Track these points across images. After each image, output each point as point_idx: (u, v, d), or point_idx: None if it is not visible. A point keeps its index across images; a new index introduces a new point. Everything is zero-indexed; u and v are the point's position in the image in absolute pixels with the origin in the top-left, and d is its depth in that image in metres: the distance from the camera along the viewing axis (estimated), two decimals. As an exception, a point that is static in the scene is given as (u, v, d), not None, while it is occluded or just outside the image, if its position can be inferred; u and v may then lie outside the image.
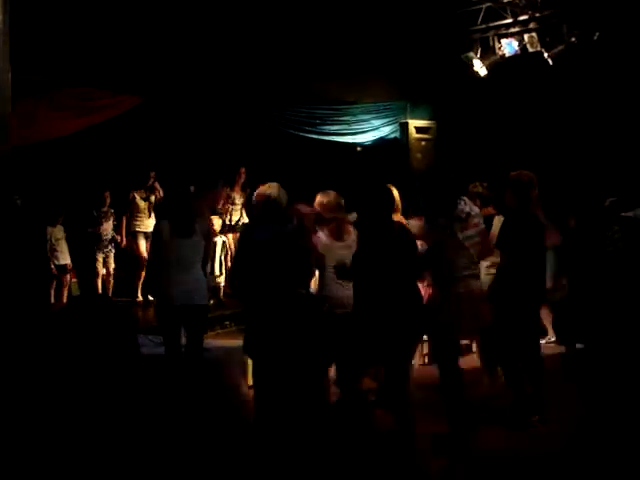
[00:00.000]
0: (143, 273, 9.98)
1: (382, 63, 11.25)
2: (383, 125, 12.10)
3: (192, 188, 6.63)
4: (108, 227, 10.04)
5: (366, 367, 5.57)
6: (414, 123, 12.08)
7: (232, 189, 10.75)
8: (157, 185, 10.25)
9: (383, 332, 4.75)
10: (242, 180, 10.75)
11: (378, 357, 5.03)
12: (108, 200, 10.03)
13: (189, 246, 5.78)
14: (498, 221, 6.03)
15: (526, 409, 5.49)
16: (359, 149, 12.25)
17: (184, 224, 5.80)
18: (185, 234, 5.78)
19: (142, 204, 10.25)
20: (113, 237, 10.13)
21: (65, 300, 9.62)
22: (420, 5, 10.64)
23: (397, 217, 6.27)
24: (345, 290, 5.29)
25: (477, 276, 5.28)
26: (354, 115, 11.77)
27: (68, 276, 9.76)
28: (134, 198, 10.25)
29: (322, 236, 5.71)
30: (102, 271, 10.04)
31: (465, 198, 5.40)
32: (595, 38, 9.92)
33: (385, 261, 4.82)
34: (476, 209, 5.44)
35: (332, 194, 5.93)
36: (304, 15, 10.10)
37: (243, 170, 10.76)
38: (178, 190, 6.14)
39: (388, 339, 4.78)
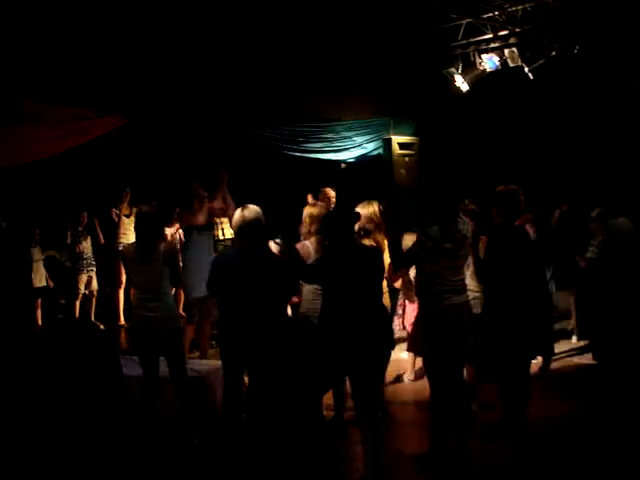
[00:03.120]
0: (122, 294, 9.91)
1: (364, 80, 11.27)
2: (366, 142, 12.07)
3: (155, 204, 6.36)
4: (87, 246, 9.93)
5: (330, 382, 5.46)
6: (397, 139, 12.06)
7: (211, 200, 10.43)
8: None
9: (343, 348, 4.70)
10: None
11: (341, 372, 4.99)
12: (85, 219, 9.93)
13: (148, 272, 5.64)
14: (482, 242, 6.01)
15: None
16: (343, 166, 12.22)
17: (143, 249, 5.65)
18: (144, 260, 5.64)
19: (125, 221, 10.10)
20: (92, 253, 9.99)
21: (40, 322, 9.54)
22: (401, 21, 10.68)
23: (380, 235, 6.26)
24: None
25: (460, 291, 5.23)
26: (337, 132, 11.73)
27: (39, 299, 9.67)
28: (117, 216, 10.11)
29: (309, 245, 5.71)
30: (83, 291, 9.91)
31: (462, 217, 5.44)
32: (575, 51, 9.98)
33: (344, 279, 4.83)
34: (470, 228, 5.47)
35: (375, 204, 6.02)
36: (286, 33, 10.11)
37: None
38: (140, 211, 5.91)
39: (348, 355, 4.74)
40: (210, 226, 8.30)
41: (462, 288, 5.25)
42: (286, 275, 5.19)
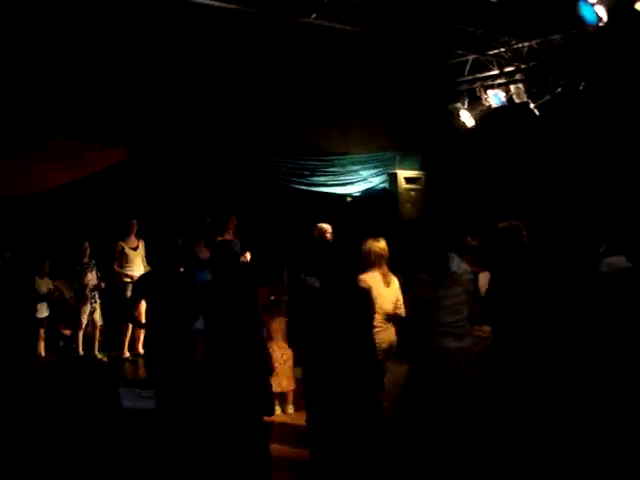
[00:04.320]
0: (130, 326, 9.85)
1: (371, 114, 11.32)
2: (372, 176, 12.09)
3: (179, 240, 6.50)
4: (92, 278, 9.88)
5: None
6: (403, 174, 12.06)
7: (222, 235, 10.50)
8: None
9: (330, 390, 4.70)
10: (233, 225, 10.49)
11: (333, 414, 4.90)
12: (88, 251, 9.90)
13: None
14: (484, 277, 5.97)
15: None
16: (349, 200, 12.22)
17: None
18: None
19: (131, 254, 10.07)
20: (97, 287, 9.95)
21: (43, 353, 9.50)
22: (408, 57, 10.75)
23: (383, 269, 6.26)
24: None
25: (458, 335, 5.14)
26: (343, 166, 11.75)
27: (43, 330, 9.64)
28: (122, 248, 10.09)
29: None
30: (85, 323, 9.85)
31: (453, 255, 5.35)
32: (581, 88, 10.01)
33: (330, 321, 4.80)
34: (464, 266, 5.39)
35: (383, 241, 6.04)
36: (292, 67, 10.19)
37: (234, 217, 10.56)
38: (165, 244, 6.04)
39: (335, 398, 4.71)
40: None
41: (462, 332, 5.17)
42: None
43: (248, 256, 9.93)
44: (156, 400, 5.91)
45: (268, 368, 5.57)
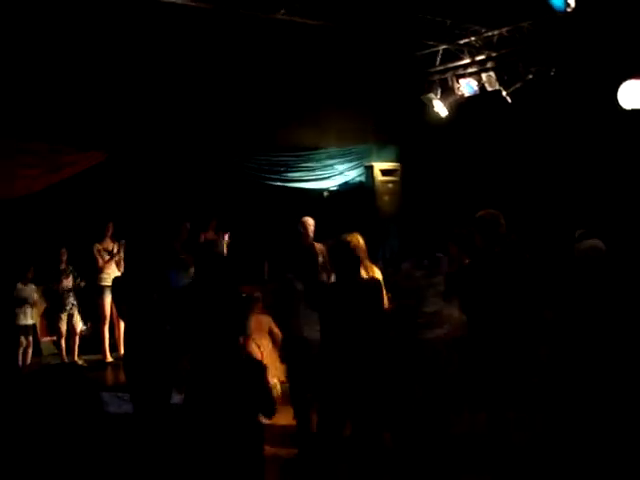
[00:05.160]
0: (107, 330, 9.79)
1: (345, 107, 11.30)
2: (348, 169, 12.07)
3: None
4: (68, 284, 9.75)
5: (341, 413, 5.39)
6: (379, 166, 12.06)
7: (206, 233, 10.35)
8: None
9: (340, 382, 4.73)
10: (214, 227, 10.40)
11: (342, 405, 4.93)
12: (65, 257, 9.79)
13: None
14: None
15: None
16: (326, 194, 12.20)
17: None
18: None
19: (107, 257, 9.98)
20: (73, 290, 9.83)
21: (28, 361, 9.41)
22: (379, 48, 10.74)
23: (364, 263, 6.22)
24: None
25: (441, 323, 5.17)
26: (318, 161, 11.74)
27: (30, 337, 9.53)
28: (99, 251, 9.98)
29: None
30: (64, 330, 9.75)
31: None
32: (552, 74, 10.06)
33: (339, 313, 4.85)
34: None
35: (358, 235, 6.04)
36: (264, 62, 10.16)
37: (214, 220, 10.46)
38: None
39: (344, 390, 4.74)
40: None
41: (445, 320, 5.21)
42: None
43: (226, 237, 9.82)
44: (132, 403, 5.88)
45: (257, 367, 5.53)
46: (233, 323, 5.37)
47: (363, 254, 6.25)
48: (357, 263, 5.11)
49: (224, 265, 5.54)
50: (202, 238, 9.75)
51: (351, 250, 5.10)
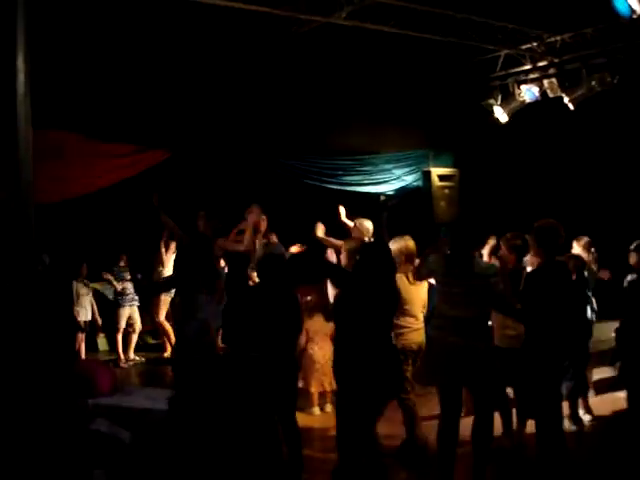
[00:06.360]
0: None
1: (403, 112, 11.29)
2: (405, 174, 12.07)
3: None
4: (127, 281, 9.92)
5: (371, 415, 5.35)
6: (437, 171, 12.05)
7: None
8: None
9: (359, 385, 4.85)
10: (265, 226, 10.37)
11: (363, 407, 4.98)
12: (125, 257, 9.99)
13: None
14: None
15: None
16: (382, 198, 12.19)
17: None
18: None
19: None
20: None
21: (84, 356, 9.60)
22: (440, 54, 10.70)
23: (409, 268, 6.20)
24: None
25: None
26: (376, 165, 11.75)
27: (84, 334, 9.74)
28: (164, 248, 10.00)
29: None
30: (123, 326, 9.94)
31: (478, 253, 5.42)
32: (615, 81, 9.90)
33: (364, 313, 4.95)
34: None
35: (410, 239, 6.09)
36: (325, 67, 10.21)
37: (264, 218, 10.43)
38: None
39: (362, 392, 4.85)
40: None
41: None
42: None
43: (274, 238, 9.81)
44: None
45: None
46: (291, 323, 5.43)
47: (411, 259, 6.24)
48: (393, 269, 5.20)
49: (285, 267, 5.58)
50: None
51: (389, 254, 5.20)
